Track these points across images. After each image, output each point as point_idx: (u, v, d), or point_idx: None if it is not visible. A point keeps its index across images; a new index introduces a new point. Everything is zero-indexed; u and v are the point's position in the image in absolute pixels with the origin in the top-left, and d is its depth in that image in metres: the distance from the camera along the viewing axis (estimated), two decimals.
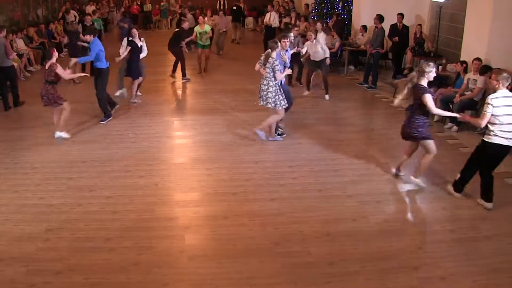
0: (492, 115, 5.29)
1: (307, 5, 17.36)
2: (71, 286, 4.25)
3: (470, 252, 4.78)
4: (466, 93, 8.33)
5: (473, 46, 8.74)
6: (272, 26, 15.58)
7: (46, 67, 7.47)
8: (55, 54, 7.55)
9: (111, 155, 7.16)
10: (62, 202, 5.69)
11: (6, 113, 9.20)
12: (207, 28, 12.54)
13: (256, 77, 11.44)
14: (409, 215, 5.59)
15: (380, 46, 11.39)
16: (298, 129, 8.39)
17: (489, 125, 5.39)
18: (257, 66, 7.51)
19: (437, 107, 6.06)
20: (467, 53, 8.86)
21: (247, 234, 5.07)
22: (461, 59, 8.94)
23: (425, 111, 5.85)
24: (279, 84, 7.42)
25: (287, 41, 7.63)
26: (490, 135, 5.41)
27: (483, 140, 5.53)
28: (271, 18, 15.80)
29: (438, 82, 9.58)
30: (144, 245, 4.85)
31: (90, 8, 18.76)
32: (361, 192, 6.01)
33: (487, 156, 5.57)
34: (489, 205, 5.60)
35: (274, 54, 7.34)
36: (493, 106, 5.26)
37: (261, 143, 7.66)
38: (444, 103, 8.24)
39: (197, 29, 12.45)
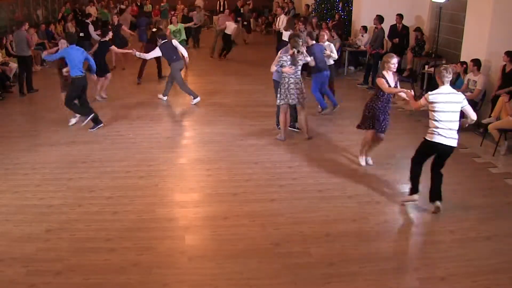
0: (432, 111, 5.22)
1: (307, 6, 17.37)
2: (71, 287, 4.25)
3: (470, 252, 4.77)
4: (466, 94, 8.31)
5: (473, 47, 8.74)
6: (281, 31, 14.10)
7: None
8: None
9: (111, 156, 7.16)
10: (62, 203, 5.69)
11: (11, 110, 9.22)
12: (180, 26, 12.61)
13: (255, 77, 11.50)
14: (408, 216, 5.58)
15: (380, 47, 11.39)
16: None
17: (430, 123, 5.29)
18: (273, 68, 7.61)
19: None
20: (467, 53, 8.85)
21: (247, 235, 5.07)
22: (461, 60, 8.94)
23: None
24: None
25: (301, 40, 7.72)
26: (432, 133, 5.26)
27: (425, 138, 5.38)
28: (280, 22, 14.52)
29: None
30: (144, 246, 4.85)
31: (91, 9, 18.79)
32: (361, 193, 6.01)
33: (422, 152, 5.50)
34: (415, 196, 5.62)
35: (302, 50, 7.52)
36: (428, 102, 5.23)
37: (260, 144, 7.66)
38: None
39: (171, 27, 12.55)
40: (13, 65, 11.11)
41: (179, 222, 5.37)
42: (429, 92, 5.34)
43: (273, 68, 7.64)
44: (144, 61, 11.29)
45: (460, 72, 8.80)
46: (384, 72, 6.24)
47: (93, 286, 4.26)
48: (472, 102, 8.23)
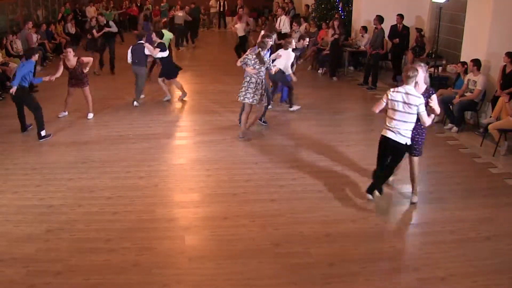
0: (389, 108, 5.31)
1: (307, 6, 17.36)
2: (71, 287, 4.25)
3: (470, 253, 4.78)
4: (466, 94, 8.34)
5: (473, 47, 8.74)
6: (282, 32, 13.98)
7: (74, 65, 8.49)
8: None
9: (111, 156, 7.16)
10: (62, 203, 5.69)
11: (11, 110, 9.23)
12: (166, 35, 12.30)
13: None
14: (408, 216, 5.58)
15: (380, 47, 11.39)
16: (298, 129, 8.40)
17: (386, 119, 5.40)
18: (238, 63, 7.74)
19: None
20: (467, 54, 8.86)
21: (247, 235, 5.07)
22: (461, 60, 8.94)
23: None
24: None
25: (271, 41, 7.91)
26: (385, 128, 5.41)
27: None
28: (281, 23, 14.45)
29: (438, 83, 9.61)
30: (144, 246, 4.85)
31: (90, 10, 18.80)
32: (361, 193, 6.00)
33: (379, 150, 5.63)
34: (369, 196, 5.74)
35: (263, 53, 7.56)
36: (388, 98, 5.28)
37: (261, 144, 7.66)
38: (444, 104, 8.24)
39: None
40: (13, 65, 11.10)
41: (179, 222, 5.37)
42: (391, 89, 5.38)
43: (238, 63, 7.74)
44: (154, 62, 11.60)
45: (460, 73, 8.80)
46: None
47: (93, 287, 4.25)
48: (472, 102, 8.27)
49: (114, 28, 12.67)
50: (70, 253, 4.70)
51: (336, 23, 12.67)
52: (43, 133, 7.78)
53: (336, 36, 12.25)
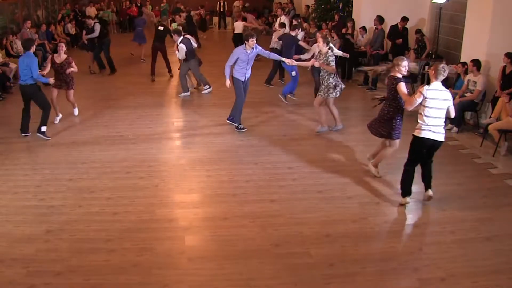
0: (424, 106, 5.35)
1: (307, 6, 17.36)
2: (71, 287, 4.25)
3: (470, 253, 4.78)
4: (466, 94, 8.34)
5: (473, 48, 8.74)
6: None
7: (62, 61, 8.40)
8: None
9: (111, 157, 7.16)
10: (62, 203, 5.70)
11: (11, 111, 9.22)
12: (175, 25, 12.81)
13: (256, 77, 11.45)
14: (409, 216, 5.59)
15: (380, 47, 11.38)
16: (297, 130, 8.40)
17: (420, 118, 5.44)
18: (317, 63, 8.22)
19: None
20: (467, 54, 8.86)
21: (247, 235, 5.07)
22: (461, 61, 8.94)
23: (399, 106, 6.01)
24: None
25: (254, 40, 7.98)
26: (421, 128, 5.41)
27: (413, 135, 5.52)
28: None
29: None
30: (144, 246, 4.85)
31: (91, 10, 18.80)
32: (361, 193, 6.01)
33: (414, 150, 5.59)
34: (403, 200, 5.71)
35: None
36: (424, 97, 5.31)
37: (261, 144, 7.66)
38: None
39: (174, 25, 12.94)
40: (13, 66, 11.12)
41: (179, 222, 5.37)
42: (425, 87, 5.40)
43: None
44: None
45: (460, 73, 8.80)
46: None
47: (93, 287, 4.26)
48: (472, 103, 8.27)
49: (95, 33, 12.17)
50: (70, 254, 4.70)
51: (349, 24, 12.63)
52: (43, 128, 7.80)
53: (348, 36, 12.15)
